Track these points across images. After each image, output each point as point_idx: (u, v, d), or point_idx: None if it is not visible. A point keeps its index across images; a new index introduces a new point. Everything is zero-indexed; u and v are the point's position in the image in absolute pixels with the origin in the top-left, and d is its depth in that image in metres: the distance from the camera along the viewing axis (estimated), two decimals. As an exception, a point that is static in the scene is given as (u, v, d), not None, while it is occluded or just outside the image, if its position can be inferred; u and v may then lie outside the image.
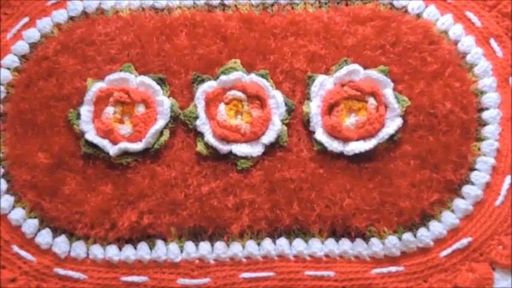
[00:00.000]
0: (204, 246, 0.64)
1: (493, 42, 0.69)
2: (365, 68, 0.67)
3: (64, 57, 0.68)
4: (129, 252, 0.64)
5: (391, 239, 0.63)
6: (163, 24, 0.69)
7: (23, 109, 0.67)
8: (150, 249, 0.64)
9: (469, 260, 0.63)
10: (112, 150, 0.65)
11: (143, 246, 0.64)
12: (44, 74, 0.68)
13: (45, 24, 0.71)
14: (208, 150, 0.65)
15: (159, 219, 0.64)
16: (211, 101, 0.66)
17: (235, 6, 0.71)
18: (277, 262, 0.63)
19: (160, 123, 0.65)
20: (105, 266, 0.64)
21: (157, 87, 0.67)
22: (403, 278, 0.63)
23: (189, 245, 0.64)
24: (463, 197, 0.65)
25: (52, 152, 0.65)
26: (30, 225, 0.64)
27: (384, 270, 0.63)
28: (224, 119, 0.66)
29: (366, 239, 0.64)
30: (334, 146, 0.65)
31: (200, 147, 0.65)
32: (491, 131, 0.66)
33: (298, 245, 0.64)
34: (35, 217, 0.65)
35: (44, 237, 0.64)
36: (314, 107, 0.66)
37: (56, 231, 0.65)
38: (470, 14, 0.71)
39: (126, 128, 0.66)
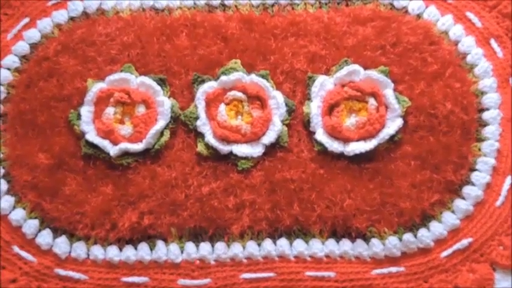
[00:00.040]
0: (205, 247, 0.64)
1: (493, 43, 0.69)
2: (365, 68, 0.67)
3: (64, 58, 0.69)
4: (129, 253, 0.64)
5: (392, 240, 0.63)
6: (164, 25, 0.69)
7: (23, 109, 0.67)
8: (151, 249, 0.64)
9: (469, 260, 0.63)
10: (112, 150, 0.65)
11: (144, 247, 0.64)
12: (45, 74, 0.68)
13: (45, 24, 0.71)
14: (208, 150, 0.65)
15: (159, 219, 0.64)
16: (212, 102, 0.66)
17: (236, 6, 0.71)
18: (278, 263, 0.63)
19: (161, 123, 0.65)
20: (105, 267, 0.64)
21: (158, 87, 0.67)
22: (404, 278, 0.63)
23: (190, 246, 0.64)
24: (463, 198, 0.65)
25: (52, 153, 0.65)
26: (30, 226, 0.64)
27: (385, 270, 0.63)
28: (224, 119, 0.66)
29: (367, 239, 0.64)
30: (334, 146, 0.65)
31: (200, 147, 0.65)
32: (491, 131, 0.66)
33: (299, 245, 0.64)
34: (35, 218, 0.65)
35: (45, 237, 0.64)
36: (314, 108, 0.66)
37: (56, 232, 0.65)
38: (470, 15, 0.71)
39: (126, 129, 0.66)
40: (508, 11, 0.70)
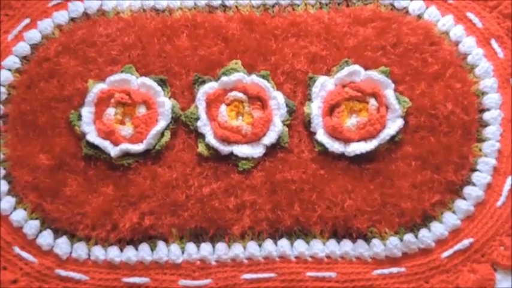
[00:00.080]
0: (205, 247, 0.64)
1: (494, 43, 0.69)
2: (366, 69, 0.67)
3: (65, 59, 0.69)
4: (130, 254, 0.64)
5: (393, 240, 0.63)
6: (164, 26, 0.69)
7: (24, 110, 0.67)
8: (152, 250, 0.64)
9: (470, 261, 0.63)
10: (113, 151, 0.65)
11: (144, 248, 0.64)
12: (45, 75, 0.68)
13: (46, 25, 0.71)
14: (209, 151, 0.65)
15: (160, 220, 0.64)
16: (212, 102, 0.66)
17: (236, 7, 0.71)
18: (279, 263, 0.63)
19: (162, 124, 0.65)
20: (106, 267, 0.64)
21: (159, 88, 0.67)
22: (405, 279, 0.63)
23: (190, 246, 0.64)
24: (464, 198, 0.65)
25: (53, 153, 0.66)
26: (31, 227, 0.64)
27: (385, 271, 0.63)
28: (225, 120, 0.66)
29: (367, 240, 0.64)
30: (335, 147, 0.65)
31: (201, 148, 0.65)
32: (492, 131, 0.66)
33: (300, 246, 0.64)
34: (36, 218, 0.65)
35: (46, 238, 0.64)
36: (315, 108, 0.66)
37: (57, 233, 0.65)
38: (471, 15, 0.71)
39: (127, 129, 0.66)
40: (509, 12, 0.70)
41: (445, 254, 0.63)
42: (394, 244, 0.63)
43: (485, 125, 0.66)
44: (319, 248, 0.64)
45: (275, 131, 0.65)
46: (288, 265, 0.63)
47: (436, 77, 0.67)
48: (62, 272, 0.63)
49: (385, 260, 0.63)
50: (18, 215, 0.65)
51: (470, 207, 0.64)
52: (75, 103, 0.67)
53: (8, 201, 0.65)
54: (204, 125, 0.66)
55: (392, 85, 0.66)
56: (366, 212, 0.63)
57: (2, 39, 0.71)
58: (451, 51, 0.68)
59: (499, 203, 0.64)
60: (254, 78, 0.67)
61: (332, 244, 0.64)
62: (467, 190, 0.64)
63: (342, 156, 0.65)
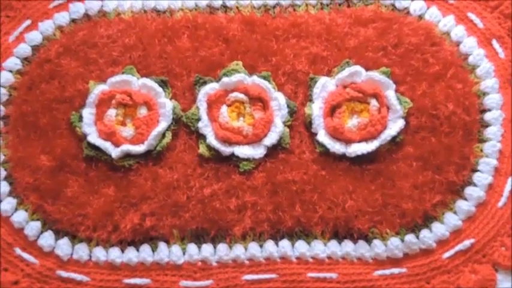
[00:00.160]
0: (207, 248, 0.64)
1: (495, 43, 0.69)
2: (367, 69, 0.67)
3: (66, 60, 0.69)
4: (131, 255, 0.64)
5: (394, 241, 0.63)
6: (165, 27, 0.69)
7: (25, 111, 0.67)
8: (153, 251, 0.64)
9: (471, 261, 0.63)
10: (114, 152, 0.65)
11: (146, 249, 0.64)
12: (46, 76, 0.68)
13: (47, 26, 0.71)
14: (210, 152, 0.65)
15: (161, 221, 0.64)
16: (214, 103, 0.66)
17: (237, 8, 0.71)
18: (280, 264, 0.63)
19: (163, 125, 0.66)
20: (107, 268, 0.64)
21: (160, 89, 0.67)
22: (406, 279, 0.63)
23: (192, 247, 0.64)
24: (465, 199, 0.64)
25: (54, 155, 0.66)
26: (32, 228, 0.65)
27: (387, 272, 0.63)
28: (226, 121, 0.66)
29: (369, 240, 0.64)
30: (336, 147, 0.65)
31: (202, 149, 0.65)
32: (493, 132, 0.66)
33: (301, 246, 0.64)
34: (37, 219, 0.65)
35: (47, 239, 0.64)
36: (316, 109, 0.66)
37: (58, 234, 0.65)
38: (472, 15, 0.71)
39: (128, 130, 0.66)
40: (510, 12, 0.70)
41: (446, 254, 0.63)
42: (395, 245, 0.63)
43: (486, 125, 0.66)
44: (320, 248, 0.64)
45: (276, 131, 0.65)
46: (289, 266, 0.63)
47: (437, 78, 0.67)
48: (63, 273, 0.63)
49: (386, 260, 0.63)
50: (20, 216, 0.65)
51: (472, 208, 0.64)
52: (76, 104, 0.67)
53: (9, 203, 0.66)
54: (205, 126, 0.66)
55: (393, 86, 0.66)
56: (367, 212, 0.63)
57: (3, 40, 0.71)
58: (452, 52, 0.68)
59: (500, 204, 0.64)
60: (255, 79, 0.67)
61: (333, 245, 0.64)
62: (469, 191, 0.64)
63: (343, 157, 0.65)
